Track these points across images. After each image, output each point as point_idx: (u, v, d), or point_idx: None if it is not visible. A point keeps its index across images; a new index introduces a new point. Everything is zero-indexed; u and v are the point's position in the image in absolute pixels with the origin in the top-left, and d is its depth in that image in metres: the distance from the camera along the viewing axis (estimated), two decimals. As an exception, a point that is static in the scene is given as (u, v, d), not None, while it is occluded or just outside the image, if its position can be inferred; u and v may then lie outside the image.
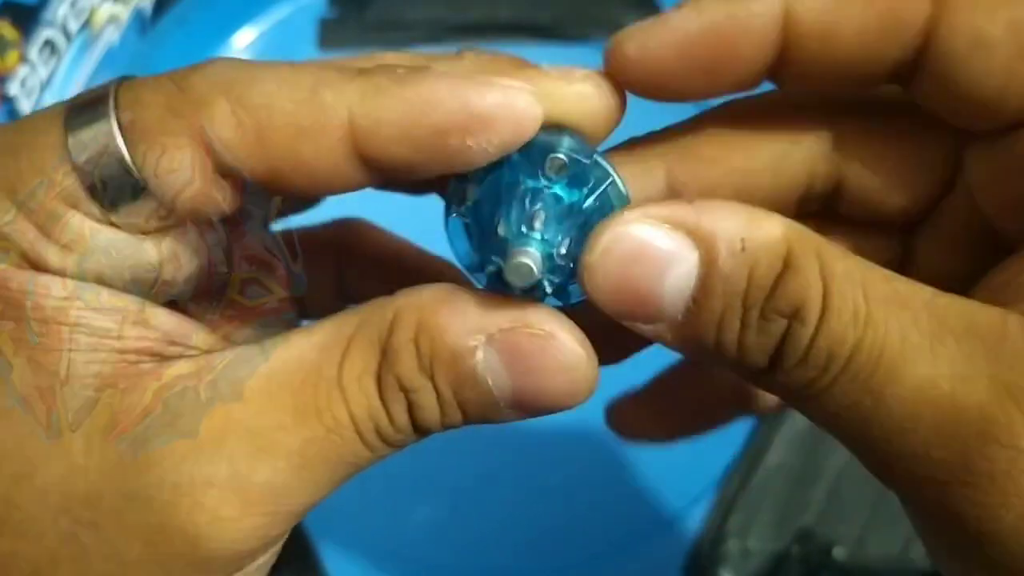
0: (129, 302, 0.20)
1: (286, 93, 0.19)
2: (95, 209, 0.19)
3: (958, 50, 0.19)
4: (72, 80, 0.47)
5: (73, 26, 0.47)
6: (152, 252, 0.20)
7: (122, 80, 0.20)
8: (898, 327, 0.17)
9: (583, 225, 0.20)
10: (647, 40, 0.20)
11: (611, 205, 0.20)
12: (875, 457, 0.19)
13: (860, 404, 0.18)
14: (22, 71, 0.44)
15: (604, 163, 0.20)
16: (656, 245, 0.18)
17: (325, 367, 0.20)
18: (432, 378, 0.19)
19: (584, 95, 0.20)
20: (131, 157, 0.18)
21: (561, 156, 0.20)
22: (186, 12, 0.51)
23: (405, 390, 0.19)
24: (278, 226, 0.25)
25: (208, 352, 0.21)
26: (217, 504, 0.19)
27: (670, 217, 0.18)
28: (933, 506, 0.18)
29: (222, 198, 0.20)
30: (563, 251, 0.19)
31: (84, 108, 0.19)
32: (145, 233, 0.20)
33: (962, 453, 0.17)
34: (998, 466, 0.17)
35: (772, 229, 0.18)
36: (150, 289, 0.21)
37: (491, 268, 0.19)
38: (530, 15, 0.52)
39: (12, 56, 0.43)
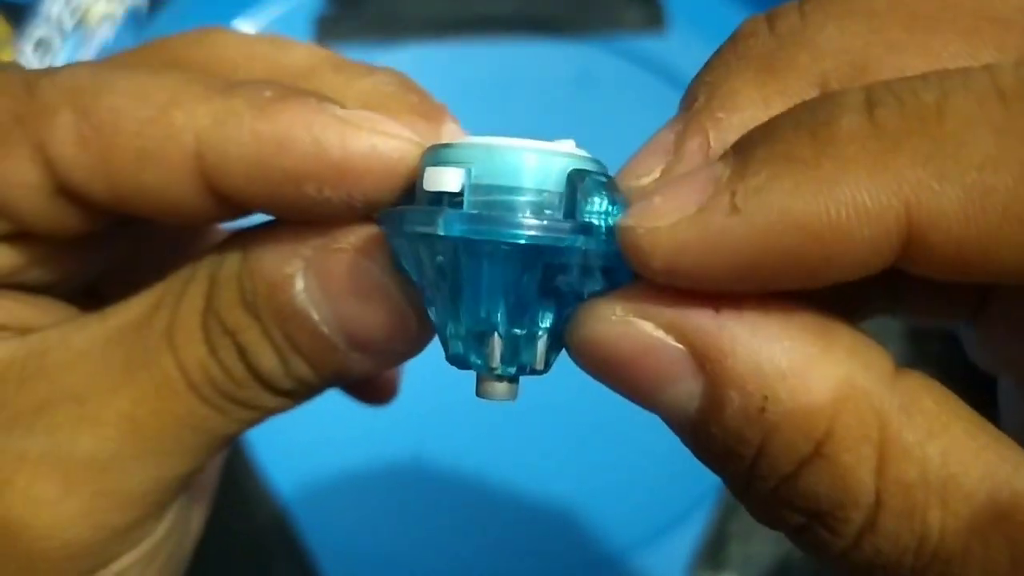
0: None
1: (134, 108, 0.16)
2: None
3: None
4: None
5: (68, 23, 0.47)
6: (2, 259, 0.18)
7: None
8: (983, 563, 0.13)
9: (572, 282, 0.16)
10: (676, 256, 0.13)
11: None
12: None
13: None
14: (15, 69, 0.44)
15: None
16: (653, 357, 0.14)
17: (159, 314, 0.17)
18: (259, 318, 0.17)
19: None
20: None
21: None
22: (181, 10, 0.51)
23: (229, 332, 0.17)
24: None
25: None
26: (30, 482, 0.16)
27: (679, 327, 0.13)
28: None
29: (65, 218, 0.17)
30: (547, 328, 0.16)
31: None
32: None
33: None
34: None
35: (815, 391, 0.13)
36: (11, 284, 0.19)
37: (451, 354, 0.16)
38: (529, 9, 0.52)
39: (4, 53, 0.43)
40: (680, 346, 0.13)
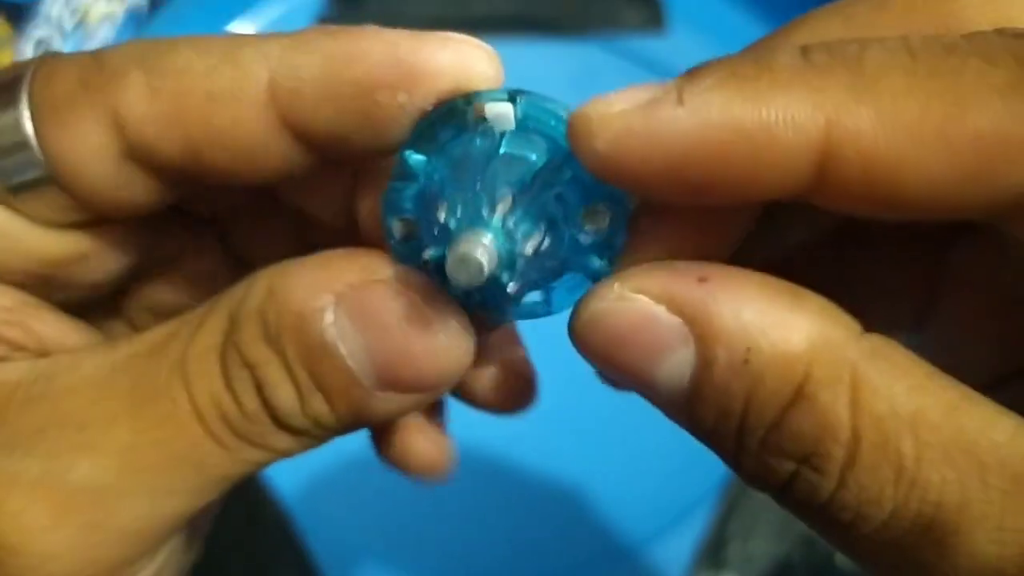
0: (10, 299, 0.18)
1: (202, 58, 0.16)
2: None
3: None
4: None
5: (68, 24, 0.47)
6: (55, 247, 0.18)
7: (46, 55, 0.18)
8: (958, 487, 0.14)
9: (564, 218, 0.17)
10: (621, 137, 0.15)
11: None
12: None
13: (897, 568, 0.15)
14: (15, 69, 0.44)
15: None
16: (650, 328, 0.15)
17: (173, 345, 0.17)
18: (282, 352, 0.16)
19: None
20: (37, 135, 0.17)
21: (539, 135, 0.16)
22: (181, 10, 0.51)
23: (249, 365, 0.16)
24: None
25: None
26: (23, 507, 0.16)
27: (671, 296, 0.15)
28: None
29: (133, 188, 0.17)
30: (530, 249, 0.16)
31: (2, 86, 0.17)
32: (57, 226, 0.18)
33: None
34: None
35: (792, 340, 0.14)
36: (48, 286, 0.19)
37: (430, 254, 0.16)
38: (530, 10, 0.52)
39: (4, 53, 0.43)
40: (673, 317, 0.15)
